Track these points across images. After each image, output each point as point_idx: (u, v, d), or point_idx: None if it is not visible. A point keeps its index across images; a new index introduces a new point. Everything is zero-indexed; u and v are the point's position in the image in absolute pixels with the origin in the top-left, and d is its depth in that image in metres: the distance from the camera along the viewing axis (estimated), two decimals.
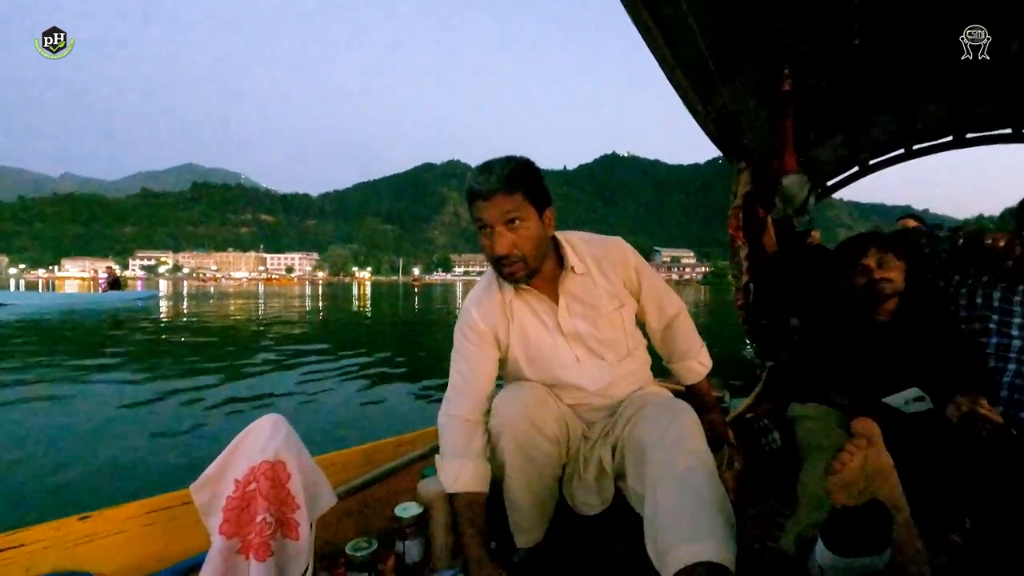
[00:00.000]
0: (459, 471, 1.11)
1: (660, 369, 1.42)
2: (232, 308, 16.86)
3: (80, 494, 2.42)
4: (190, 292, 32.18)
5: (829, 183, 2.65)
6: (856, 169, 2.58)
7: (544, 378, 1.17)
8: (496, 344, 1.18)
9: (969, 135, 2.27)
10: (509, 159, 1.04)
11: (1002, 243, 1.63)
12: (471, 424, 1.14)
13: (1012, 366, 1.37)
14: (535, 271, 1.10)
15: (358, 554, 1.11)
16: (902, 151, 2.45)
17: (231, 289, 42.37)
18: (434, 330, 11.20)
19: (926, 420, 1.20)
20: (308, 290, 42.37)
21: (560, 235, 1.18)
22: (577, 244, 1.18)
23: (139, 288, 30.78)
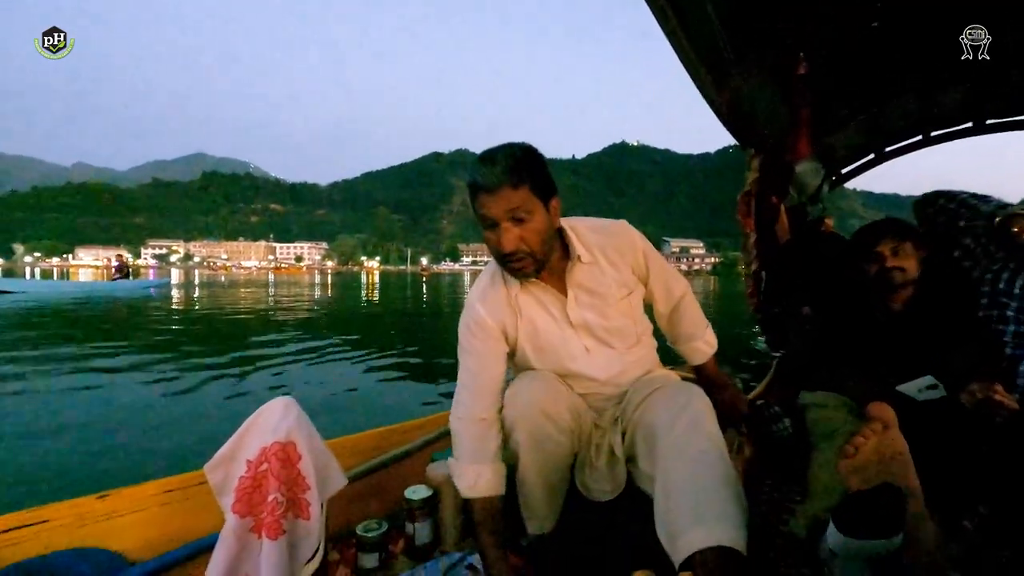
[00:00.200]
0: (476, 476, 1.08)
1: (671, 357, 1.42)
2: (244, 296, 17.03)
3: (97, 474, 2.47)
4: (202, 281, 32.54)
5: (844, 171, 2.60)
6: (872, 156, 2.53)
7: (554, 369, 1.16)
8: (504, 339, 1.14)
9: (990, 121, 2.21)
10: (511, 148, 0.99)
11: None
12: (485, 424, 1.11)
13: None
14: (543, 264, 1.06)
15: (369, 535, 1.13)
16: (919, 137, 2.40)
17: (242, 278, 42.79)
18: (443, 318, 11.25)
19: (940, 408, 1.19)
20: (317, 279, 42.68)
21: (565, 223, 1.13)
22: (583, 232, 1.14)
23: (151, 276, 31.14)
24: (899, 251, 1.36)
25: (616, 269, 1.16)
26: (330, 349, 6.26)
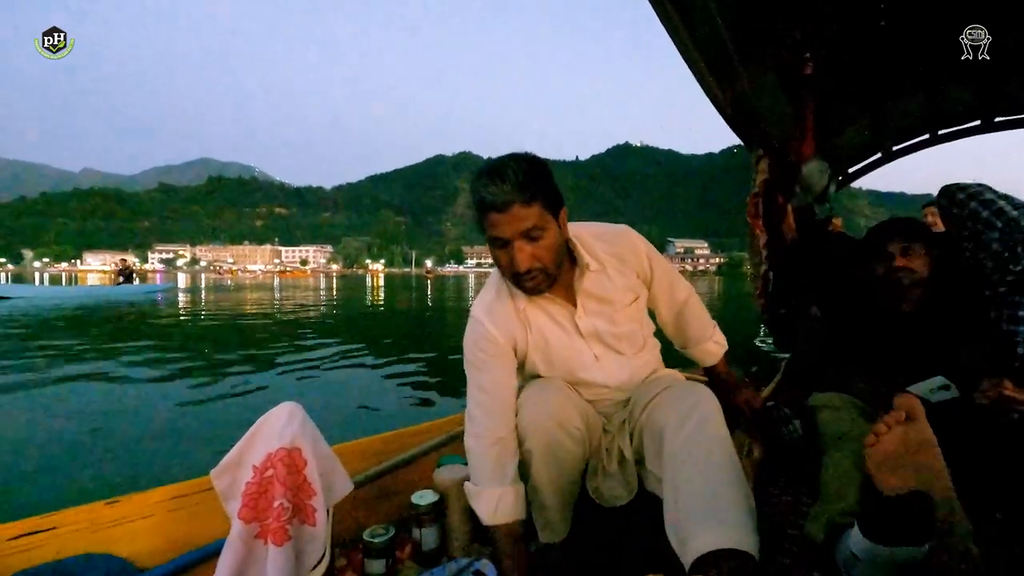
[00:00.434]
0: (497, 501, 1.04)
1: (681, 361, 1.41)
2: (249, 300, 17.10)
3: (106, 480, 2.49)
4: (208, 285, 32.73)
5: (851, 170, 2.59)
6: (879, 155, 2.52)
7: (564, 378, 1.14)
8: (514, 354, 1.12)
9: (998, 119, 2.19)
10: (518, 160, 0.93)
11: None
12: (503, 443, 1.07)
13: None
14: (556, 279, 1.03)
15: (375, 540, 1.13)
16: (927, 136, 2.38)
17: (248, 281, 43.01)
18: (449, 321, 11.26)
19: (951, 409, 1.17)
20: (323, 282, 42.83)
21: (569, 230, 1.10)
22: (587, 240, 1.11)
23: (159, 281, 31.29)
24: (909, 251, 1.35)
25: (622, 275, 1.15)
26: (336, 353, 6.27)
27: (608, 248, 1.13)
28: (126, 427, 3.29)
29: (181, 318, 10.89)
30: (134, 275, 18.51)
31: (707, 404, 0.98)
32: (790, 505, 1.36)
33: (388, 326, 10.47)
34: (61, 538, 1.00)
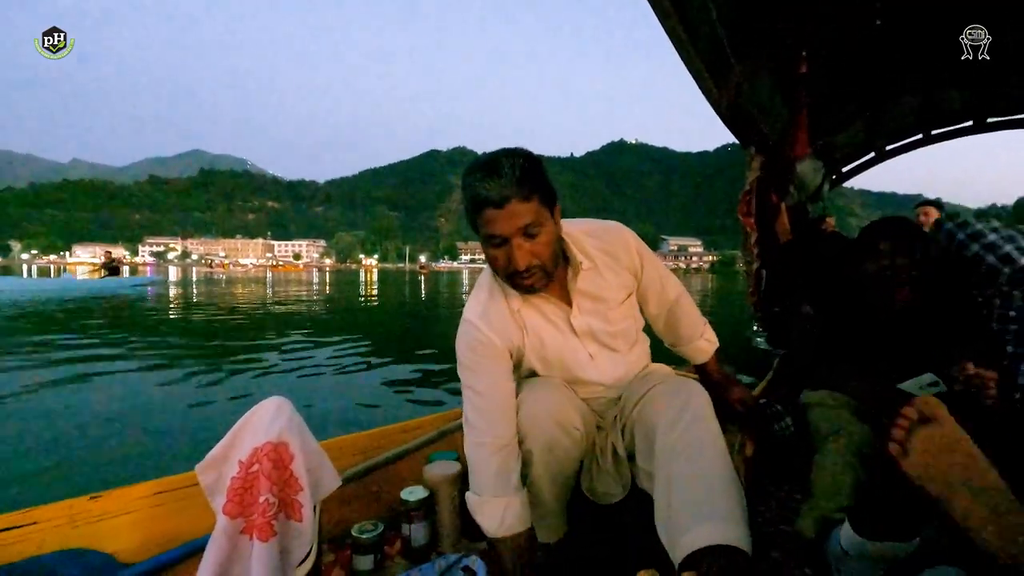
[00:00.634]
0: (503, 512, 1.00)
1: (673, 359, 1.40)
2: (240, 294, 16.97)
3: (89, 475, 2.46)
4: (199, 278, 32.43)
5: (844, 169, 2.60)
6: (872, 155, 2.53)
7: (559, 377, 1.13)
8: (510, 355, 1.09)
9: (991, 120, 2.20)
10: (513, 155, 0.90)
11: None
12: (507, 450, 1.03)
13: None
14: (552, 276, 1.00)
15: (364, 536, 1.12)
16: (920, 136, 2.39)
17: (239, 275, 42.67)
18: (443, 317, 11.23)
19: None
20: (315, 277, 42.60)
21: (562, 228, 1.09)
22: (579, 238, 1.09)
23: (149, 274, 30.95)
24: (900, 249, 1.35)
25: (615, 272, 1.13)
26: (327, 348, 6.24)
27: (600, 245, 1.11)
28: (110, 422, 3.25)
29: (170, 313, 10.79)
30: (120, 268, 18.03)
31: (698, 400, 0.98)
32: (781, 501, 1.36)
33: (381, 322, 10.43)
34: (43, 533, 0.98)
